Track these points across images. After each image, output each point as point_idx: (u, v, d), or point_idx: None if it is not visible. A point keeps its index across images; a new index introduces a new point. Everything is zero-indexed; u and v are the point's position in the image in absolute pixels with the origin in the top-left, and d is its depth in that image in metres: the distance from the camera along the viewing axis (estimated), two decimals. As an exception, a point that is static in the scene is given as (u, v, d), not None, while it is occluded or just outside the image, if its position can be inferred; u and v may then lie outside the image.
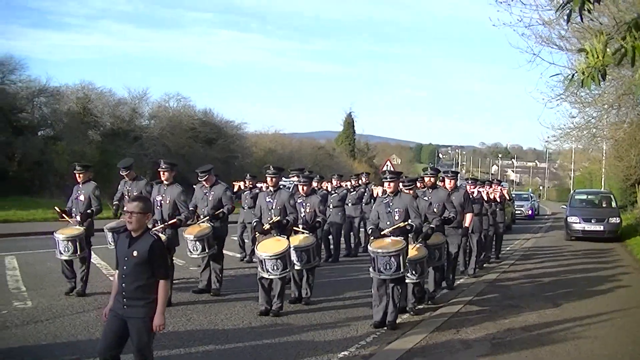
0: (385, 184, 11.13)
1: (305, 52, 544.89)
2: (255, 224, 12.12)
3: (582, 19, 5.81)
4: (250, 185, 18.76)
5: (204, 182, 13.11)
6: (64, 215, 12.74)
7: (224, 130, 61.19)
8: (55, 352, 8.70)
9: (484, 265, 18.88)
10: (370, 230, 11.15)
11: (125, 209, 6.48)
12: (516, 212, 41.02)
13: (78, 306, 11.49)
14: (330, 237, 19.49)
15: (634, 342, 10.06)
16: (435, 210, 12.75)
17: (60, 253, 12.32)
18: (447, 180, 14.59)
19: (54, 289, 12.86)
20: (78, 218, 12.56)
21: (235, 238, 18.84)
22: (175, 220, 11.99)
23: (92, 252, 13.04)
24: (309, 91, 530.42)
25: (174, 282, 13.59)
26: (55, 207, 13.20)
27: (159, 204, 12.11)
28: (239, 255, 18.40)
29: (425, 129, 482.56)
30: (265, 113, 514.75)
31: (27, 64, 64.85)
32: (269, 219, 11.81)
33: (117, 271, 6.61)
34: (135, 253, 6.33)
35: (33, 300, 11.85)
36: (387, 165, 39.15)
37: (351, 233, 20.43)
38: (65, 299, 12.09)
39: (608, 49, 5.60)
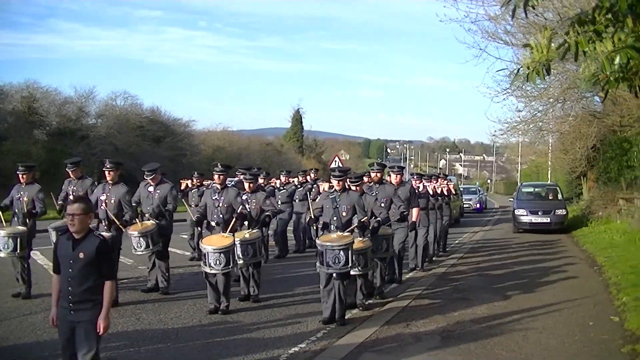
0: (334, 182, 11.15)
1: (254, 49, 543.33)
2: (195, 218, 12.13)
3: (526, 14, 5.86)
4: (198, 183, 18.70)
5: (150, 181, 13.01)
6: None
7: (171, 128, 60.90)
8: (3, 355, 8.60)
9: (433, 258, 18.96)
10: (322, 224, 11.17)
11: (66, 211, 6.33)
12: (464, 205, 41.31)
13: (25, 308, 11.36)
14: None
15: (581, 331, 10.15)
16: (382, 205, 12.78)
17: (0, 250, 12.18)
18: (393, 176, 14.64)
19: (2, 291, 12.68)
20: (21, 219, 12.42)
21: (185, 236, 18.76)
22: (122, 221, 11.89)
23: (34, 254, 12.88)
24: (258, 88, 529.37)
25: (122, 281, 13.53)
26: None
27: (103, 204, 12.00)
28: (188, 254, 18.33)
29: (374, 125, 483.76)
30: (213, 110, 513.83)
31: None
32: (215, 216, 11.79)
33: (56, 275, 6.46)
34: (81, 255, 6.19)
35: (-22, 304, 11.68)
36: (335, 161, 39.22)
37: (299, 229, 20.44)
38: (13, 301, 11.94)
39: (552, 44, 5.65)
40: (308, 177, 21.39)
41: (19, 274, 12.33)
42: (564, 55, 5.59)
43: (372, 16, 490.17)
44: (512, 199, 32.90)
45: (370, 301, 12.39)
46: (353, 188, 11.50)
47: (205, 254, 11.17)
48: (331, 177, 11.47)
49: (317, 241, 10.82)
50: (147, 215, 12.83)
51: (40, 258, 15.55)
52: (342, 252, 10.27)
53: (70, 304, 6.24)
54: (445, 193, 20.88)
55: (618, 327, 10.42)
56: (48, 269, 14.99)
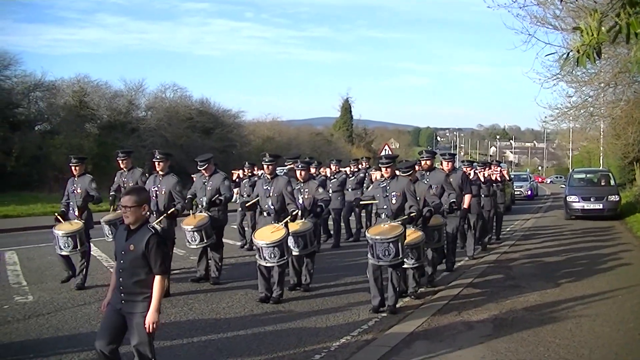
0: (382, 169, 11.11)
1: (301, 40, 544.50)
2: (241, 202, 12.20)
3: (575, -4, 5.78)
4: (249, 174, 18.76)
5: (203, 172, 13.09)
6: (60, 219, 12.66)
7: (221, 120, 61.28)
8: (58, 345, 8.68)
9: (487, 246, 18.86)
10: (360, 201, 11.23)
11: (120, 203, 6.31)
12: (515, 192, 40.96)
13: (79, 299, 11.50)
14: (330, 222, 19.53)
15: (636, 319, 10.05)
16: (434, 192, 12.71)
17: (61, 249, 12.30)
18: (444, 163, 14.58)
19: (55, 282, 12.87)
20: (76, 212, 12.56)
21: (235, 226, 18.84)
22: (172, 210, 11.98)
23: (91, 245, 12.99)
24: (306, 78, 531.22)
25: (174, 272, 13.65)
26: (55, 214, 13.11)
27: (154, 195, 12.07)
28: (239, 243, 18.41)
29: (423, 113, 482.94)
30: (262, 101, 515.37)
31: (23, 59, 64.94)
32: (266, 206, 11.85)
33: (115, 263, 6.52)
34: (132, 247, 6.21)
35: (34, 295, 11.87)
36: (385, 149, 39.10)
37: (351, 218, 20.42)
38: (67, 292, 12.10)
39: (602, 27, 5.57)
40: (360, 166, 21.36)
41: (79, 267, 12.49)
42: (614, 38, 5.50)
43: (419, 4, 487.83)
44: (563, 186, 32.55)
45: (421, 289, 12.35)
46: (403, 176, 11.43)
47: (259, 249, 11.21)
48: (379, 164, 11.44)
49: (367, 234, 10.78)
50: (200, 206, 12.90)
51: (93, 249, 15.69)
52: (392, 245, 10.22)
53: (122, 294, 6.27)
54: (499, 179, 20.72)
55: (673, 313, 10.29)
56: (101, 260, 15.25)
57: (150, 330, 6.21)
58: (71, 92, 48.84)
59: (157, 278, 6.26)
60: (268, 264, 11.18)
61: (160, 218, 11.70)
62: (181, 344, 8.85)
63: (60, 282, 12.55)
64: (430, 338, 9.02)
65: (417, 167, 13.69)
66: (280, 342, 8.95)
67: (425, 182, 12.73)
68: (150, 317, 6.18)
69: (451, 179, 13.91)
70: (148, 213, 6.56)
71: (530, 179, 53.89)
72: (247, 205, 12.34)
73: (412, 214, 10.74)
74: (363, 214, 19.96)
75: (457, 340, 8.91)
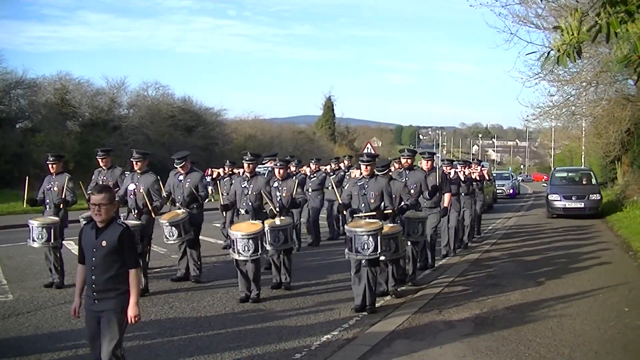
0: (362, 167, 11.10)
1: (284, 37, 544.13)
2: (222, 205, 12.17)
3: (556, -5, 5.79)
4: (230, 172, 18.69)
5: (180, 169, 13.05)
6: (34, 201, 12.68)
7: (203, 118, 61.43)
8: (38, 344, 8.66)
9: (467, 244, 18.91)
10: (348, 211, 11.11)
11: (91, 201, 6.26)
12: (497, 191, 41.07)
13: (59, 298, 11.48)
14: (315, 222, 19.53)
15: (616, 317, 10.07)
16: (412, 191, 12.71)
17: (34, 240, 12.28)
18: (424, 162, 14.59)
19: (35, 281, 12.86)
20: (52, 210, 12.55)
21: (218, 225, 18.80)
22: (152, 206, 11.92)
23: (67, 244, 12.98)
24: (289, 76, 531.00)
25: (155, 270, 13.63)
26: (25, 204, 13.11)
27: (132, 193, 12.08)
28: (221, 242, 18.36)
29: (406, 111, 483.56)
30: (244, 99, 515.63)
31: (3, 56, 64.59)
32: (243, 204, 11.85)
33: (80, 265, 6.44)
34: (104, 243, 6.17)
35: (14, 293, 11.85)
36: (367, 147, 39.11)
37: (332, 216, 20.40)
38: (47, 291, 12.07)
39: (583, 26, 5.58)
40: (342, 165, 21.35)
41: (52, 263, 12.45)
42: (595, 37, 5.51)
43: (402, 2, 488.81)
44: (545, 184, 32.64)
45: (402, 288, 12.36)
46: (381, 175, 11.42)
47: (233, 240, 11.17)
48: (359, 161, 11.44)
49: (346, 227, 10.79)
50: (178, 204, 12.85)
51: (73, 248, 15.64)
52: (370, 238, 10.19)
53: (94, 293, 6.22)
54: (478, 179, 20.76)
55: (653, 312, 10.32)
56: (80, 258, 15.10)
57: (132, 323, 6.26)
58: (53, 90, 48.81)
59: (132, 272, 6.27)
60: (241, 257, 11.12)
61: (141, 212, 11.71)
62: (161, 343, 8.83)
63: (44, 285, 12.47)
64: (411, 337, 9.01)
65: (396, 166, 13.72)
66: (260, 340, 8.93)
67: (403, 180, 12.71)
68: (132, 311, 6.21)
69: (430, 178, 13.94)
70: (115, 209, 6.51)
71: (513, 177, 54.01)
72: (222, 205, 12.30)
73: (386, 212, 10.77)
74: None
75: (438, 338, 8.91)
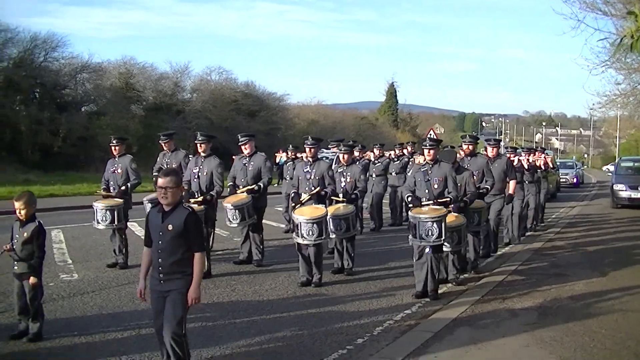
0: (425, 151, 11.01)
1: (346, 23, 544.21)
2: (292, 194, 12.07)
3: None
4: (293, 157, 18.71)
5: (245, 148, 13.03)
6: (108, 195, 12.78)
7: (266, 102, 61.61)
8: (102, 323, 8.78)
9: (530, 233, 18.73)
10: (408, 198, 11.00)
11: (158, 184, 6.34)
12: (561, 180, 40.56)
13: (123, 278, 11.62)
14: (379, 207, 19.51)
15: (683, 310, 9.91)
16: (474, 178, 12.58)
17: (98, 222, 12.49)
18: (489, 148, 14.46)
19: (100, 261, 13.02)
20: (122, 187, 12.65)
21: (280, 209, 18.85)
22: (207, 197, 11.99)
23: (131, 225, 13.10)
24: (351, 62, 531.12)
25: (217, 252, 13.70)
26: (97, 191, 13.26)
27: (196, 176, 12.17)
28: (283, 226, 18.41)
29: (468, 98, 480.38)
30: (307, 84, 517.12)
31: (70, 41, 65.31)
32: (306, 189, 11.83)
33: (146, 248, 6.54)
34: (170, 227, 6.24)
35: (79, 273, 12.01)
36: (430, 134, 38.91)
37: (395, 202, 20.34)
38: (111, 271, 12.23)
39: (657, 12, 5.46)
40: (405, 150, 21.29)
41: (117, 245, 12.59)
42: (670, 23, 5.39)
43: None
44: (610, 173, 32.20)
45: (464, 276, 12.28)
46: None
47: (297, 225, 11.19)
48: (423, 146, 11.35)
49: (410, 213, 10.73)
50: (241, 187, 12.86)
51: (137, 229, 15.81)
52: (434, 225, 10.14)
53: (161, 275, 6.32)
54: (543, 167, 20.54)
55: None
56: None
57: (192, 304, 6.32)
58: (117, 74, 49.37)
59: (197, 255, 6.33)
60: (305, 242, 11.15)
61: (197, 200, 11.76)
62: (223, 324, 8.89)
63: (107, 265, 12.63)
64: (473, 325, 8.95)
65: (461, 153, 13.60)
66: (322, 324, 8.96)
67: (466, 167, 12.57)
68: (193, 293, 6.28)
69: (495, 165, 13.81)
70: (182, 193, 6.54)
71: (576, 166, 53.31)
72: (301, 201, 12.22)
73: (447, 199, 10.69)
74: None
75: (500, 327, 8.84)
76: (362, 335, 8.54)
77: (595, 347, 8.04)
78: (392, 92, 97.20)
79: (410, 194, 10.91)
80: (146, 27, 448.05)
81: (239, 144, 13.13)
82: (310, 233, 11.04)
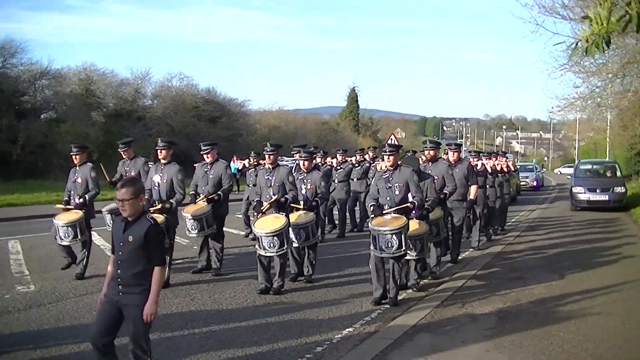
0: (385, 157, 11.01)
1: (307, 28, 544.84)
2: (255, 203, 12.01)
3: (584, -15, 5.71)
4: (255, 163, 18.66)
5: (206, 156, 12.95)
6: (67, 209, 12.64)
7: (227, 108, 61.65)
8: (58, 335, 8.65)
9: (491, 237, 18.83)
10: (371, 208, 10.98)
11: (116, 196, 6.21)
12: (521, 183, 40.85)
13: (81, 289, 11.47)
14: (335, 212, 19.49)
15: (641, 312, 9.99)
16: (435, 183, 12.60)
17: (61, 239, 12.29)
18: (450, 153, 14.50)
19: (58, 272, 12.81)
20: (77, 201, 12.51)
21: (240, 216, 18.80)
22: (166, 205, 11.85)
23: (92, 235, 12.91)
24: (312, 67, 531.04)
25: (177, 261, 13.63)
26: (58, 206, 13.13)
27: (156, 184, 12.07)
28: (242, 233, 18.34)
29: (430, 103, 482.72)
30: (268, 90, 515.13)
31: (29, 47, 64.75)
32: (267, 197, 11.77)
33: (112, 256, 6.43)
34: (130, 238, 6.13)
35: (36, 284, 11.84)
36: (391, 139, 39.00)
37: (356, 208, 20.34)
38: (69, 281, 12.06)
39: (612, 16, 5.49)
40: (367, 156, 21.32)
41: (80, 256, 12.51)
42: (625, 27, 5.42)
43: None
44: (569, 177, 32.47)
45: (424, 281, 12.30)
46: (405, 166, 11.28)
47: (259, 238, 11.18)
48: (382, 152, 11.37)
49: (370, 225, 10.71)
50: (202, 195, 12.79)
51: (96, 238, 15.66)
52: (394, 237, 10.14)
53: (120, 286, 6.20)
54: (505, 170, 20.67)
55: (680, 307, 10.22)
56: (104, 249, 15.14)
57: (148, 321, 6.16)
58: (77, 80, 49.09)
59: (156, 269, 6.20)
60: (267, 254, 11.15)
61: (156, 208, 11.66)
62: (182, 335, 8.81)
63: (61, 269, 12.53)
64: (433, 330, 8.96)
65: (422, 158, 13.62)
66: (282, 333, 8.92)
67: (429, 172, 12.58)
68: (149, 309, 6.12)
69: (457, 170, 13.86)
70: (143, 203, 6.42)
71: (536, 169, 53.73)
72: (262, 209, 12.13)
73: (412, 203, 10.68)
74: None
75: (460, 332, 8.86)
76: (321, 343, 8.51)
77: (554, 351, 8.09)
78: (353, 97, 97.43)
79: (373, 203, 10.90)
80: (107, 33, 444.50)
81: (201, 152, 13.05)
82: (272, 245, 11.04)
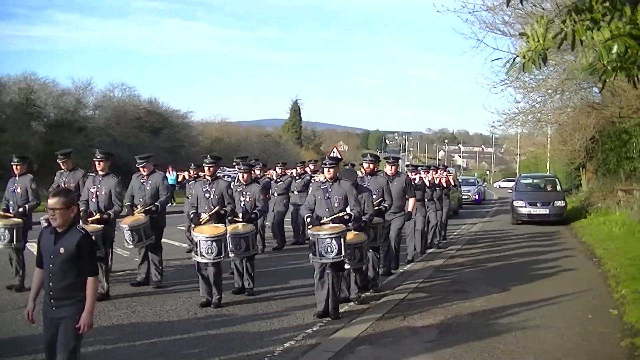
0: (325, 170, 11.04)
1: (252, 40, 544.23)
2: (192, 215, 11.93)
3: (522, 2, 5.79)
4: (195, 175, 18.55)
5: (142, 170, 12.88)
6: (6, 216, 12.46)
7: (169, 120, 61.36)
8: (-4, 348, 8.53)
9: (432, 250, 18.93)
10: (307, 218, 11.01)
11: (47, 205, 6.10)
12: (463, 197, 41.15)
13: (20, 301, 11.23)
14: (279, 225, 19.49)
15: (580, 324, 10.08)
16: (374, 196, 12.63)
17: None
18: (387, 166, 14.53)
19: (-4, 284, 12.61)
20: (19, 209, 12.36)
21: (182, 228, 18.68)
22: (104, 216, 11.82)
23: (30, 246, 12.75)
24: (255, 79, 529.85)
25: (118, 273, 13.52)
26: None
27: (94, 196, 11.97)
28: (185, 246, 18.22)
29: (373, 116, 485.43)
30: (211, 102, 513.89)
31: (-32, 55, 63.72)
32: (206, 208, 11.71)
33: (38, 269, 6.31)
34: (62, 250, 6.02)
35: (-27, 297, 11.63)
36: (334, 152, 39.08)
37: (298, 221, 20.34)
38: (8, 293, 11.92)
39: (549, 33, 5.56)
40: (307, 169, 21.33)
41: (14, 266, 12.27)
42: (560, 44, 5.50)
43: (369, 6, 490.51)
44: (510, 190, 32.81)
45: (365, 294, 12.31)
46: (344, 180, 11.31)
47: (197, 243, 11.16)
48: (322, 165, 11.39)
49: (309, 231, 10.76)
50: (139, 207, 12.70)
51: (35, 250, 15.46)
52: (334, 241, 10.18)
53: (52, 300, 6.08)
54: (444, 184, 20.79)
55: (617, 320, 10.36)
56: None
57: (83, 332, 6.06)
58: (17, 90, 48.41)
59: (90, 280, 6.11)
60: (204, 260, 11.12)
61: (93, 220, 11.59)
62: (123, 347, 8.76)
63: (6, 287, 12.30)
64: (374, 343, 8.98)
65: (360, 172, 13.67)
66: (223, 346, 8.89)
67: (366, 185, 12.60)
68: (85, 319, 6.02)
69: (395, 183, 13.91)
70: (74, 214, 6.33)
71: (478, 183, 54.20)
72: (201, 221, 12.03)
73: (348, 214, 10.73)
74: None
75: (401, 345, 8.90)
76: (262, 356, 8.48)
77: (494, 364, 8.15)
78: (296, 110, 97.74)
79: (309, 214, 10.92)
80: (51, 42, 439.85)
81: (137, 165, 12.96)
82: (210, 251, 11.00)
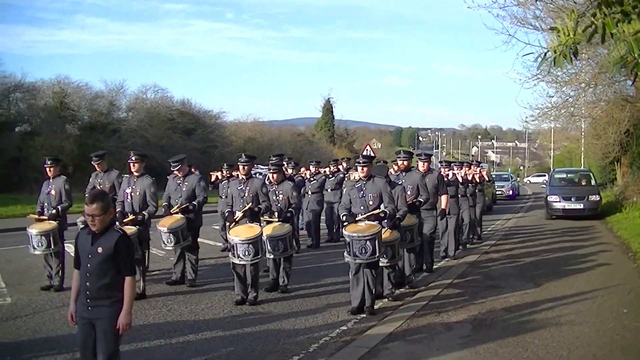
0: (359, 168, 11.05)
1: (282, 40, 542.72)
2: (227, 213, 11.98)
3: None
4: (228, 175, 18.61)
5: (177, 172, 12.97)
6: (41, 219, 12.60)
7: (202, 120, 61.40)
8: (35, 347, 8.65)
9: (467, 246, 18.89)
10: (344, 217, 11.03)
11: (85, 211, 6.14)
12: (497, 192, 40.93)
13: (57, 301, 11.42)
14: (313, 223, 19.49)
15: (614, 319, 10.03)
16: (409, 193, 12.65)
17: (34, 248, 12.27)
18: (420, 163, 14.50)
19: (34, 284, 12.80)
20: (53, 211, 12.46)
21: (217, 227, 18.75)
22: (139, 217, 11.92)
23: (66, 246, 12.84)
24: (287, 79, 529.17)
25: (153, 273, 13.64)
26: (31, 216, 13.11)
27: (129, 197, 12.07)
28: (220, 245, 18.30)
29: (405, 113, 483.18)
30: (243, 102, 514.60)
31: (2, 60, 64.50)
32: (240, 206, 11.76)
33: (76, 270, 6.32)
34: (100, 250, 6.05)
35: (12, 297, 11.81)
36: (367, 149, 39.01)
37: (332, 218, 20.35)
38: (45, 294, 12.04)
39: (579, 27, 5.55)
40: (340, 167, 21.33)
41: (54, 268, 12.41)
42: (590, 37, 5.49)
43: (398, 5, 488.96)
44: (544, 186, 32.58)
45: (400, 290, 12.33)
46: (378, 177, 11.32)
47: (233, 245, 11.18)
48: (356, 164, 11.41)
49: (344, 231, 10.77)
50: (175, 208, 12.78)
51: (72, 250, 15.61)
52: (369, 242, 10.18)
53: (88, 300, 6.11)
54: (478, 180, 20.69)
55: (652, 314, 10.29)
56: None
57: (122, 332, 6.13)
58: (51, 93, 48.80)
59: (128, 279, 6.17)
60: (242, 262, 11.16)
61: (128, 220, 11.71)
62: (159, 345, 8.82)
63: (41, 288, 12.43)
64: (408, 339, 9.00)
65: (395, 168, 13.66)
66: (258, 343, 8.93)
67: (400, 182, 12.62)
68: (123, 319, 6.09)
69: (427, 180, 13.86)
70: (112, 216, 6.37)
71: (512, 178, 53.89)
72: (235, 219, 12.08)
73: (383, 212, 10.73)
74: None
75: (435, 341, 8.90)
76: (297, 352, 8.52)
77: (529, 358, 8.15)
78: (328, 108, 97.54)
79: (345, 213, 10.94)
80: (80, 46, 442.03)
81: (172, 168, 13.05)
82: (247, 253, 11.04)
